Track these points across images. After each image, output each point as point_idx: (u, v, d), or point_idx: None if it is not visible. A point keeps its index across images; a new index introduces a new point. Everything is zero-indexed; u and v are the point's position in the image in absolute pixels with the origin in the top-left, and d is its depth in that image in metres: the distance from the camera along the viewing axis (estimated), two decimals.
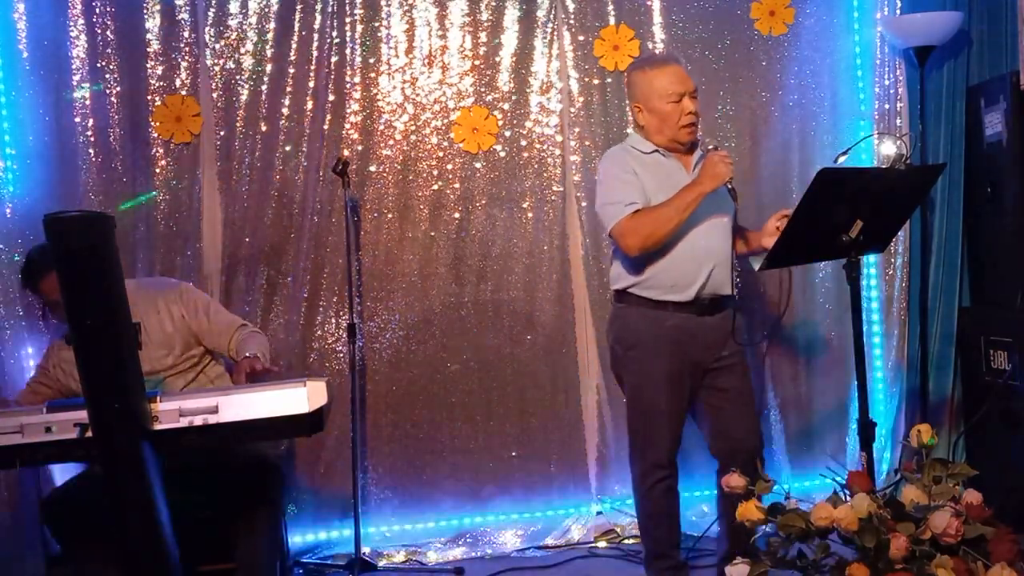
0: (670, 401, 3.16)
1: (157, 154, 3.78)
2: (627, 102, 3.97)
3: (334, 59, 3.88)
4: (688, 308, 3.14)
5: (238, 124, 3.84)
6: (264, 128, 3.85)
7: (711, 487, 4.03)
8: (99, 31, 3.72)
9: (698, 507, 4.05)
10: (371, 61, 3.93)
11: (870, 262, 4.15)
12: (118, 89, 3.74)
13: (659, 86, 3.16)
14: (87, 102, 3.71)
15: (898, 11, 4.09)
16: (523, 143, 4.03)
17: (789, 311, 4.10)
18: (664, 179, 3.15)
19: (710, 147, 3.15)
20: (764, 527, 2.49)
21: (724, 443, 3.23)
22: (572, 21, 4.01)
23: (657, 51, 4.03)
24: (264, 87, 3.84)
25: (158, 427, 2.43)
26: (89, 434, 2.37)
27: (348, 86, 3.90)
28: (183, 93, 3.80)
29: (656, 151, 3.22)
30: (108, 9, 3.72)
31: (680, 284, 3.13)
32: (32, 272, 3.11)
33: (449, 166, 3.99)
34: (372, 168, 3.94)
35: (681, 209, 3.04)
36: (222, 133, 3.84)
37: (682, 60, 3.32)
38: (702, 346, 3.16)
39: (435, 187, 3.98)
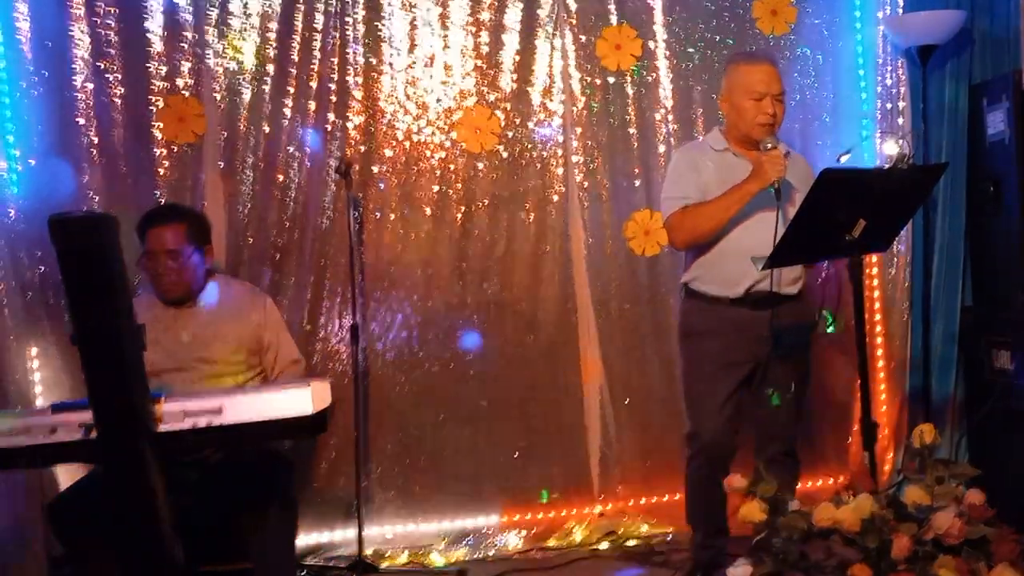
0: (716, 391, 3.22)
1: (160, 155, 3.78)
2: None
3: (336, 59, 3.88)
4: (741, 303, 3.19)
5: (241, 125, 3.83)
6: (267, 129, 3.85)
7: None
8: (101, 32, 3.72)
9: None
10: (373, 61, 3.93)
11: (872, 262, 4.14)
12: (121, 90, 3.74)
13: (745, 81, 3.21)
14: (90, 103, 3.71)
15: (900, 10, 4.09)
16: (526, 143, 4.03)
17: None
18: (730, 177, 3.17)
19: (768, 145, 3.14)
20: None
21: (758, 431, 3.35)
22: (574, 21, 4.01)
23: (659, 52, 4.04)
24: (267, 87, 3.84)
25: (162, 428, 2.43)
26: (93, 435, 2.37)
27: (350, 86, 3.90)
28: (186, 94, 3.79)
29: (728, 149, 3.26)
30: (110, 10, 3.72)
31: (728, 281, 3.19)
32: (142, 220, 3.34)
33: (451, 166, 3.98)
34: (375, 168, 3.94)
35: (725, 207, 3.11)
36: (225, 134, 3.83)
37: (777, 61, 3.31)
38: (756, 339, 3.19)
39: (437, 188, 3.98)
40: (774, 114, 3.19)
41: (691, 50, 4.07)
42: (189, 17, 3.77)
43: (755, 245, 3.11)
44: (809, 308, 3.37)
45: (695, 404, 3.31)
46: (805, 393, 3.41)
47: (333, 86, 3.88)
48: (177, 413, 2.45)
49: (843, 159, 3.48)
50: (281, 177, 3.87)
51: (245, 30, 3.83)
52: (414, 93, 3.96)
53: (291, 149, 3.87)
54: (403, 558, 3.88)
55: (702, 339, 3.27)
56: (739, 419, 3.30)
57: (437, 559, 3.89)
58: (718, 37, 4.08)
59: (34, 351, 3.65)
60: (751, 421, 3.36)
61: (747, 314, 3.19)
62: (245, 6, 3.82)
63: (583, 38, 4.02)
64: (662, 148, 4.04)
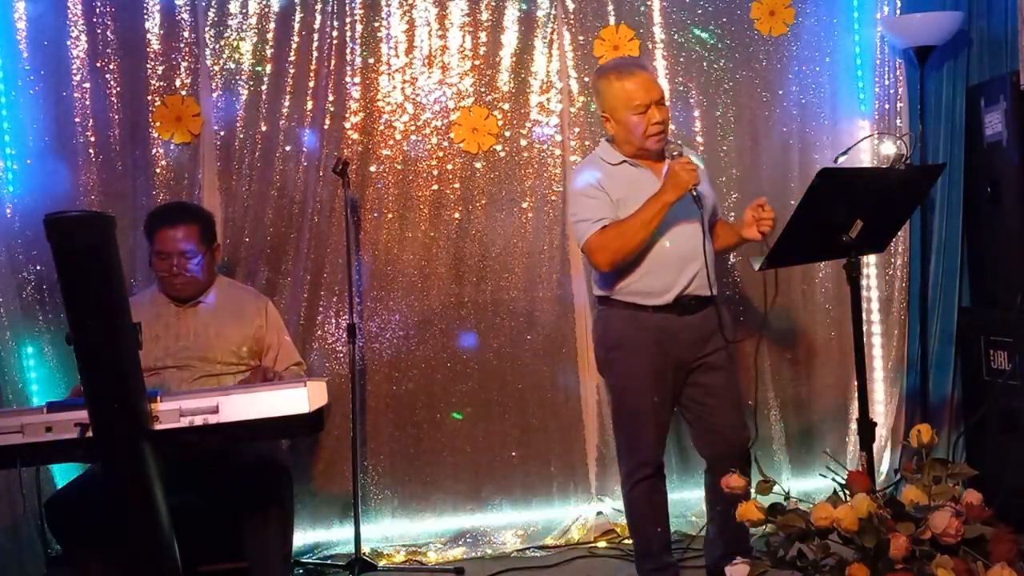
0: (653, 400, 3.16)
1: (157, 154, 3.79)
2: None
3: (334, 59, 3.88)
4: (669, 309, 3.14)
5: (238, 124, 3.84)
6: (264, 128, 3.85)
7: None
8: (99, 31, 3.72)
9: (699, 507, 4.04)
10: (371, 61, 3.93)
11: (870, 262, 4.15)
12: (118, 89, 3.74)
13: (622, 95, 3.08)
14: (87, 102, 3.71)
15: (898, 11, 4.09)
16: (523, 143, 4.03)
17: (788, 310, 4.12)
18: (634, 189, 3.11)
19: (674, 153, 3.07)
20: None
21: (709, 440, 3.26)
22: (572, 21, 4.01)
23: (657, 52, 4.04)
24: (264, 87, 3.84)
25: (158, 427, 2.44)
26: (89, 434, 2.37)
27: (348, 86, 3.90)
28: (183, 93, 3.80)
29: (624, 162, 3.17)
30: (108, 9, 3.72)
31: (656, 292, 3.13)
32: (152, 219, 3.34)
33: (449, 166, 3.98)
34: (372, 168, 3.94)
35: (647, 220, 3.02)
36: (222, 133, 3.84)
37: (649, 65, 3.22)
38: (684, 345, 3.16)
39: (435, 187, 3.98)
40: (662, 121, 3.09)
41: (689, 51, 4.06)
42: (187, 17, 3.78)
43: (681, 253, 3.08)
44: (720, 308, 3.24)
45: (633, 417, 3.20)
46: (739, 392, 3.36)
47: (331, 86, 3.88)
48: (173, 412, 2.45)
49: (841, 159, 3.49)
50: (278, 177, 3.87)
51: (243, 30, 3.83)
52: (412, 93, 3.96)
53: (288, 148, 3.87)
54: (400, 556, 3.88)
55: (632, 350, 3.16)
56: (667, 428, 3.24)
57: (434, 557, 3.88)
58: (716, 38, 4.08)
59: (30, 350, 3.65)
60: (704, 433, 3.26)
61: (673, 320, 3.12)
62: (243, 6, 3.81)
63: (581, 38, 4.02)
64: None
